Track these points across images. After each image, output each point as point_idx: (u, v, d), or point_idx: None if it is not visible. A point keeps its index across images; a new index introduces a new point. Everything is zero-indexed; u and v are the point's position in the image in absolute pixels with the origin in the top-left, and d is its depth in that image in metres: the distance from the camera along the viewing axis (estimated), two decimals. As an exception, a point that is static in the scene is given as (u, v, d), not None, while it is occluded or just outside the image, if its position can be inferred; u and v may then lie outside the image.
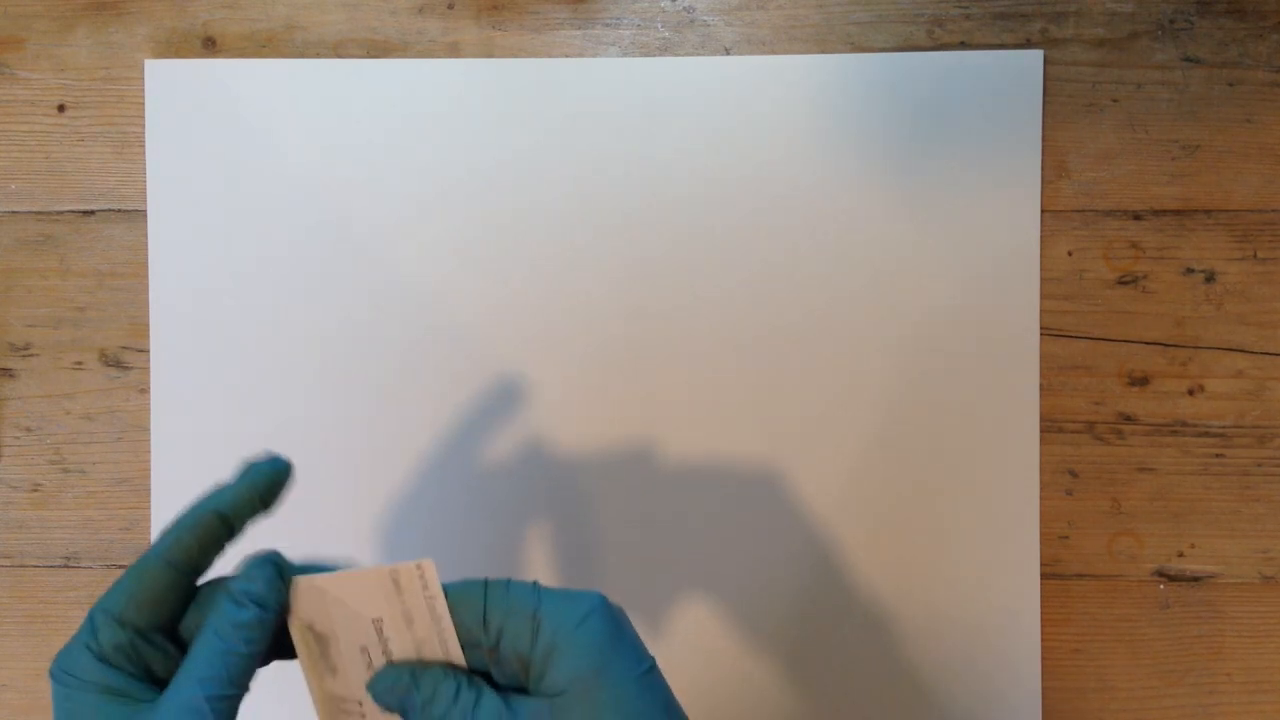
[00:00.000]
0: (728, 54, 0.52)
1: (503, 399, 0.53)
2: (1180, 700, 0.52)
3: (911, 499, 0.52)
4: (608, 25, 0.53)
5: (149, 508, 0.54)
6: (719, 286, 0.52)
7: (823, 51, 0.52)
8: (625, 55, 0.53)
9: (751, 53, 0.52)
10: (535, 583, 0.34)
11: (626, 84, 0.52)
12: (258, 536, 0.53)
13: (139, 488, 0.54)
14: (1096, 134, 0.51)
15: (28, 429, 0.54)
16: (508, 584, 0.34)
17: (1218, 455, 0.52)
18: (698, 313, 0.52)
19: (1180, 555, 0.52)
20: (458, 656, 0.34)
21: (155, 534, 0.53)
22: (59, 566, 0.55)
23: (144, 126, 0.53)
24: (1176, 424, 0.52)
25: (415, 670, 0.34)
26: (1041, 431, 0.52)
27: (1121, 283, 0.52)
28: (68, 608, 0.55)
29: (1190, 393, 0.52)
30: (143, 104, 0.53)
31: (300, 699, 0.38)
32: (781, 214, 0.52)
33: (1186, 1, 0.51)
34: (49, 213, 0.54)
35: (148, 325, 0.54)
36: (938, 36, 0.52)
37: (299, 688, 0.37)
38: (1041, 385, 0.52)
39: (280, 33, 0.53)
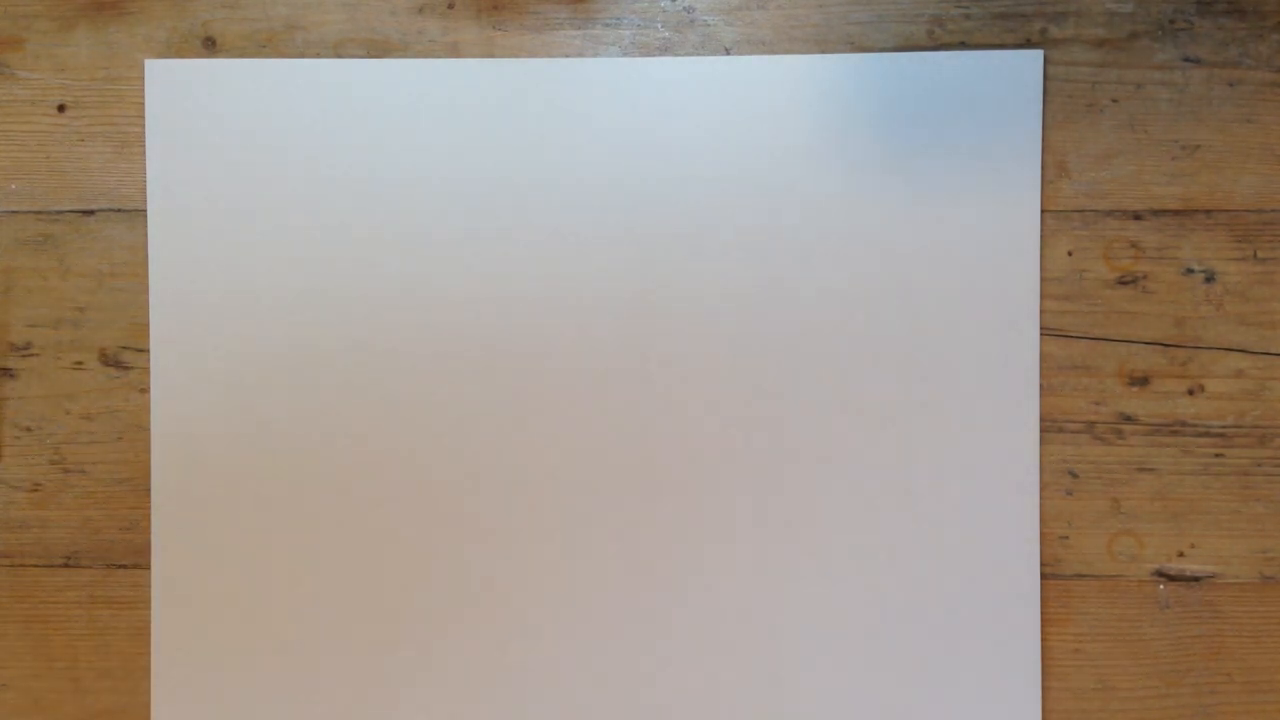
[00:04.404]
0: (728, 54, 0.52)
1: (501, 397, 0.53)
2: (1180, 700, 0.52)
3: (911, 499, 0.52)
4: (608, 25, 0.53)
5: (149, 508, 0.54)
6: (719, 285, 0.52)
7: (823, 51, 0.52)
8: (625, 55, 0.53)
9: (751, 53, 0.52)
10: None
11: (626, 84, 0.52)
12: (257, 530, 0.53)
13: (139, 488, 0.54)
14: (1096, 134, 0.51)
15: (28, 429, 0.54)
16: None
17: (1218, 455, 0.52)
18: (697, 311, 0.52)
19: (1180, 555, 0.52)
20: None
21: (155, 534, 0.54)
22: (59, 566, 0.55)
23: (144, 126, 0.53)
24: (1176, 424, 0.52)
25: None
26: (1041, 431, 0.52)
27: (1121, 283, 0.52)
28: (68, 608, 0.55)
29: (1190, 393, 0.52)
30: (143, 104, 0.53)
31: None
32: (781, 214, 0.52)
33: (1186, 1, 0.51)
34: (49, 213, 0.54)
35: (148, 325, 0.54)
36: (938, 36, 0.52)
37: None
38: (1041, 385, 0.52)
39: (280, 33, 0.53)
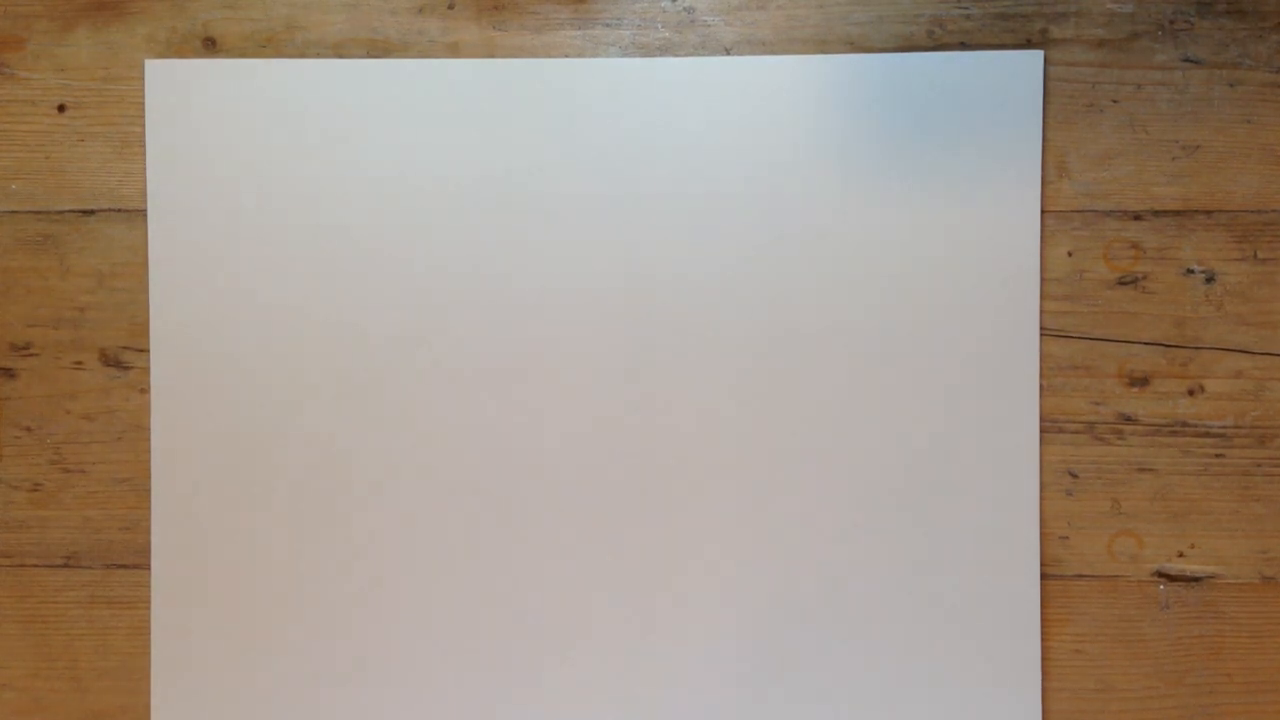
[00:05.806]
0: (728, 54, 0.52)
1: (500, 396, 0.53)
2: (1180, 700, 0.52)
3: (911, 499, 0.52)
4: (608, 25, 0.53)
5: (149, 508, 0.54)
6: (718, 285, 0.52)
7: (823, 51, 0.52)
8: (625, 55, 0.53)
9: (751, 53, 0.52)
10: None
11: (626, 84, 0.52)
12: (256, 531, 0.53)
13: (139, 488, 0.54)
14: (1096, 134, 0.52)
15: (28, 429, 0.54)
16: None
17: (1218, 455, 0.52)
18: (697, 310, 0.52)
19: (1180, 555, 0.52)
20: None
21: (155, 534, 0.54)
22: (59, 566, 0.55)
23: (144, 126, 0.53)
24: (1176, 424, 0.52)
25: None
26: (1041, 431, 0.52)
27: (1121, 283, 0.52)
28: (68, 608, 0.55)
29: (1190, 393, 0.52)
30: (143, 104, 0.53)
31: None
32: (781, 214, 0.52)
33: (1186, 1, 0.51)
34: (49, 213, 0.54)
35: (148, 325, 0.54)
36: (938, 36, 0.52)
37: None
38: (1041, 385, 0.52)
39: (280, 33, 0.53)
